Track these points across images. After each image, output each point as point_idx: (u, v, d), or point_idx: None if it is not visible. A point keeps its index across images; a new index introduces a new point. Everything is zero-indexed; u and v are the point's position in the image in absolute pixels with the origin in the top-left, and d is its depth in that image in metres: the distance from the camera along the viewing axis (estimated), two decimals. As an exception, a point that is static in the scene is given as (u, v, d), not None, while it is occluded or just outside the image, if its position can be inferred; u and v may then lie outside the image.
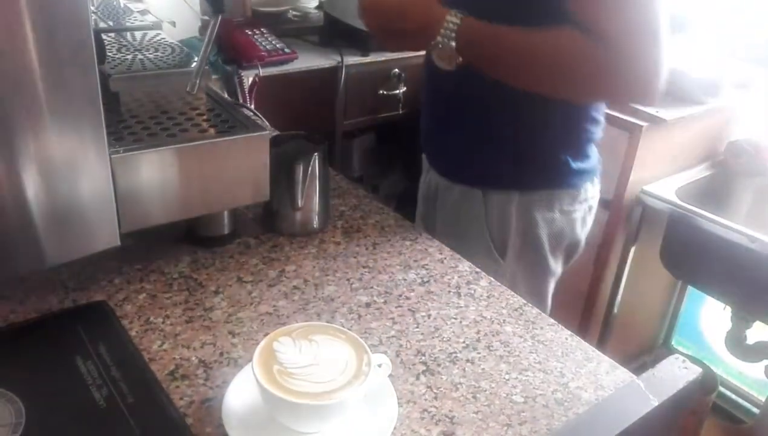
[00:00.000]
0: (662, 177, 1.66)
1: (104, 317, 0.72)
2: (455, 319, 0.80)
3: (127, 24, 1.02)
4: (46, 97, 0.63)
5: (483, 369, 0.73)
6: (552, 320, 0.82)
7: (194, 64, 0.85)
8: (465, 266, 0.91)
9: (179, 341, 0.71)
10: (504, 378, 0.72)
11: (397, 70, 1.64)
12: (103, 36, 0.95)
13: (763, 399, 1.89)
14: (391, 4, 0.93)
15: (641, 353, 2.06)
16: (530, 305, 0.85)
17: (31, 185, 0.66)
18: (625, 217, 1.63)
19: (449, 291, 0.86)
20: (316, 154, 0.90)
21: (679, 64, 1.65)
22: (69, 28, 0.62)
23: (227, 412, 0.60)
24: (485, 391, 0.69)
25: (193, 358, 0.69)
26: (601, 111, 1.10)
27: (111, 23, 1.01)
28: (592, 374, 0.74)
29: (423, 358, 0.73)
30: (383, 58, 1.62)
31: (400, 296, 0.84)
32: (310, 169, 0.90)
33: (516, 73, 0.92)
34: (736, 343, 1.73)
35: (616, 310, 1.77)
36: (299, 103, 1.53)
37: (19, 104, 0.62)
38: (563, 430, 0.57)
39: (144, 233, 0.85)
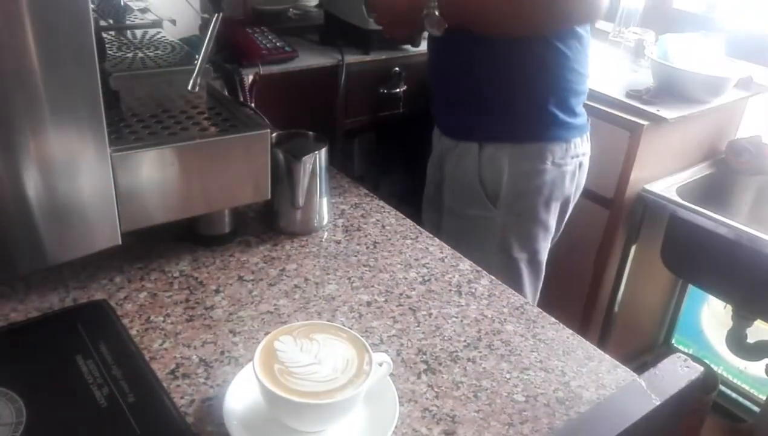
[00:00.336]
0: (663, 176, 1.66)
1: (105, 315, 0.72)
2: (456, 318, 0.80)
3: (128, 22, 1.02)
4: (46, 96, 0.63)
5: (484, 368, 0.72)
6: (553, 319, 0.82)
7: (196, 62, 0.85)
8: (466, 264, 0.91)
9: (180, 340, 0.71)
10: (505, 377, 0.71)
11: (397, 68, 1.63)
12: (104, 34, 0.95)
13: (764, 398, 1.89)
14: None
15: (642, 352, 2.06)
16: (531, 303, 0.85)
17: (32, 184, 0.65)
18: (625, 216, 1.63)
19: (450, 290, 0.85)
20: (317, 152, 0.90)
21: (681, 64, 1.65)
22: (70, 26, 0.62)
23: (228, 411, 0.60)
24: (486, 390, 0.69)
25: (194, 357, 0.69)
26: (581, 62, 1.19)
27: (111, 21, 1.01)
28: (594, 372, 0.74)
29: (424, 357, 0.73)
30: (384, 57, 1.61)
31: (401, 294, 0.83)
32: (310, 167, 0.90)
33: (490, 17, 1.10)
34: (737, 342, 1.73)
35: (616, 309, 1.76)
36: (300, 102, 1.52)
37: (20, 103, 0.62)
38: (565, 429, 0.56)
39: (145, 232, 0.85)
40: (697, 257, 1.63)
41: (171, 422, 0.59)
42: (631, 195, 1.60)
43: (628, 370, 0.74)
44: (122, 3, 1.08)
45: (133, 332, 0.71)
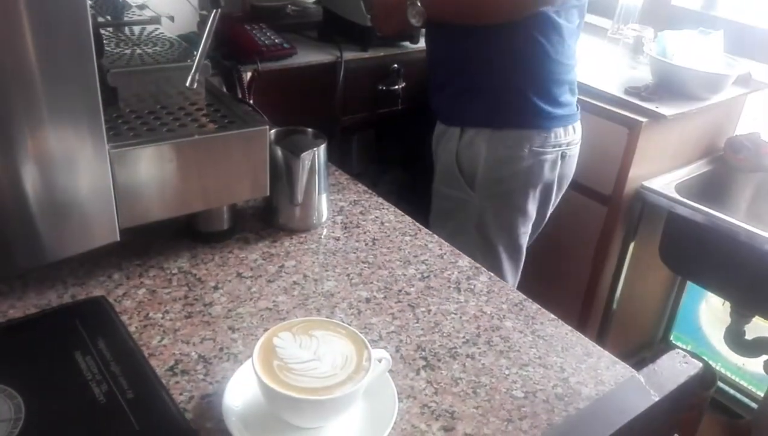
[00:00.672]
0: (662, 173, 1.66)
1: (103, 312, 0.72)
2: (455, 314, 0.80)
3: (126, 18, 1.01)
4: (44, 92, 0.63)
5: (483, 364, 0.72)
6: (552, 316, 0.82)
7: (194, 58, 0.85)
8: (465, 261, 0.91)
9: (179, 337, 0.71)
10: (504, 373, 0.71)
11: (396, 65, 1.63)
12: (102, 30, 0.95)
13: (762, 394, 1.89)
14: None
15: (640, 349, 2.06)
16: (530, 300, 0.85)
17: (30, 181, 0.65)
18: (624, 212, 1.63)
19: (449, 286, 0.85)
20: (315, 149, 0.90)
21: (679, 60, 1.65)
22: (67, 22, 0.61)
23: (227, 407, 0.60)
24: (485, 386, 0.69)
25: (193, 353, 0.69)
26: (563, 53, 1.24)
27: (109, 18, 1.00)
28: (593, 369, 0.74)
29: (423, 353, 0.73)
30: (382, 54, 1.61)
31: (400, 291, 0.83)
32: (309, 164, 0.90)
33: (460, 8, 1.21)
34: (735, 338, 1.73)
35: (615, 306, 1.77)
36: (298, 99, 1.52)
37: (18, 99, 0.61)
38: (564, 425, 0.57)
39: (143, 229, 0.84)
40: (696, 254, 1.63)
41: (170, 418, 0.59)
42: (629, 192, 1.60)
43: (627, 366, 0.74)
44: (120, -1, 1.08)
45: (131, 329, 0.71)
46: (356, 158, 1.83)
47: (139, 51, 0.90)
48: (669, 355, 0.65)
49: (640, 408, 0.57)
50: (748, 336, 1.73)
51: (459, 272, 0.89)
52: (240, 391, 0.62)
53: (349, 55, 1.56)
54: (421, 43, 1.43)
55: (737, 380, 2.02)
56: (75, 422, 0.58)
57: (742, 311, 1.69)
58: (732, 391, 2.02)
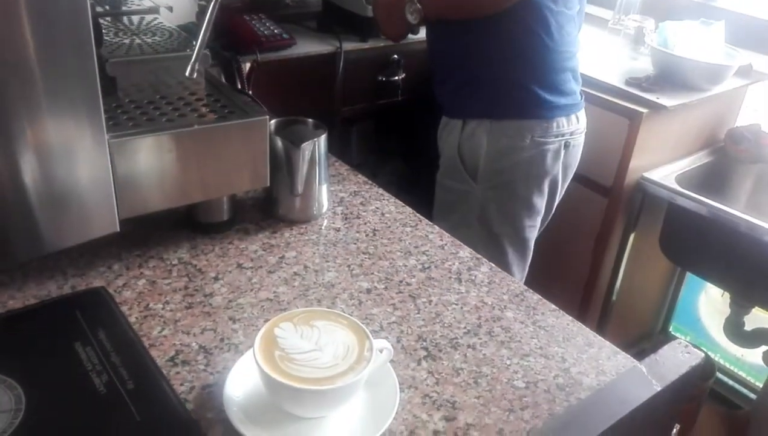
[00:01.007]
0: (662, 164, 1.65)
1: (103, 303, 0.72)
2: (456, 305, 0.80)
3: (124, 8, 1.01)
4: (43, 82, 0.63)
5: (484, 355, 0.72)
6: (553, 306, 0.82)
7: (194, 48, 0.84)
8: (466, 252, 0.91)
9: (179, 327, 0.71)
10: (505, 363, 0.71)
11: (396, 56, 1.62)
12: (100, 20, 0.94)
13: (761, 385, 1.90)
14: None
15: (639, 340, 2.07)
16: (531, 290, 0.85)
17: (29, 171, 0.65)
18: (624, 204, 1.62)
19: (450, 277, 0.85)
20: (316, 139, 0.89)
21: (681, 51, 1.64)
22: (66, 12, 0.61)
23: (228, 398, 0.59)
24: (487, 376, 0.69)
25: (194, 344, 0.69)
26: (562, 41, 1.23)
27: (108, 7, 0.99)
28: (594, 359, 0.74)
29: (424, 343, 0.73)
30: (382, 44, 1.60)
31: (401, 282, 0.83)
32: (309, 155, 0.90)
33: (451, 2, 1.24)
34: (734, 329, 1.73)
35: (614, 297, 1.77)
36: (298, 90, 1.51)
37: (17, 90, 0.61)
38: (566, 415, 0.56)
39: (143, 219, 0.84)
40: (696, 245, 1.63)
41: (171, 408, 0.59)
42: (630, 183, 1.60)
43: (628, 356, 0.74)
44: (118, -12, 1.07)
45: (131, 320, 0.71)
46: (356, 150, 1.82)
47: (138, 41, 0.89)
48: (670, 345, 0.65)
49: (641, 398, 0.57)
50: (748, 327, 1.73)
51: (460, 263, 0.88)
52: (241, 381, 0.62)
53: (349, 45, 1.55)
54: (422, 34, 1.42)
55: (736, 371, 2.03)
56: (76, 412, 0.58)
57: (741, 302, 1.69)
58: (731, 382, 2.02)
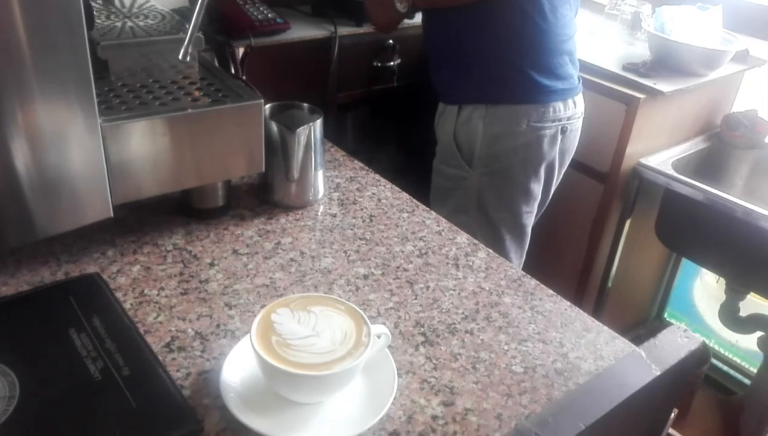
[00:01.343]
0: (658, 150, 1.65)
1: (97, 289, 0.71)
2: (454, 290, 0.80)
3: (116, -9, 0.99)
4: (34, 66, 0.62)
5: (482, 340, 0.72)
6: (551, 291, 0.82)
7: (187, 31, 0.83)
8: (463, 237, 0.91)
9: (175, 313, 0.70)
10: (503, 349, 0.71)
11: (391, 41, 1.61)
12: (92, 3, 0.92)
13: (755, 371, 1.91)
14: None
15: (634, 326, 2.07)
16: (528, 276, 0.84)
17: (20, 155, 0.64)
18: (620, 190, 1.62)
19: (447, 263, 0.85)
20: (311, 124, 0.88)
21: (678, 36, 1.63)
22: (56, -7, 0.60)
23: (225, 384, 0.59)
24: (485, 361, 0.69)
25: (189, 330, 0.68)
26: (558, 24, 1.22)
27: (99, -10, 0.98)
28: (592, 344, 0.73)
29: (422, 329, 0.73)
30: (377, 29, 1.58)
31: (398, 267, 0.83)
32: (305, 140, 0.89)
33: None
34: (729, 315, 1.74)
35: (610, 284, 1.77)
36: (292, 75, 1.50)
37: (7, 74, 0.60)
38: (565, 399, 0.56)
39: (137, 205, 0.83)
40: (692, 231, 1.63)
41: (167, 394, 0.58)
42: (626, 169, 1.59)
43: (626, 341, 0.74)
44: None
45: (126, 306, 0.70)
46: (351, 136, 1.81)
47: (130, 24, 0.88)
48: (669, 329, 0.65)
49: (641, 383, 0.57)
50: (743, 313, 1.74)
51: (457, 249, 0.88)
52: (238, 367, 0.61)
53: (344, 30, 1.53)
54: (417, 19, 1.41)
55: (730, 356, 2.04)
56: (71, 399, 0.57)
57: (737, 288, 1.69)
58: (725, 368, 2.03)
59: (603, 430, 0.54)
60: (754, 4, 1.80)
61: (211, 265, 0.79)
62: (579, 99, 1.31)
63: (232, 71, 1.39)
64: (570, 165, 1.41)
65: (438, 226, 0.93)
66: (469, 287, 0.81)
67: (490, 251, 0.88)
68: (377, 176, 1.04)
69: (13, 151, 0.63)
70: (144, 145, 0.74)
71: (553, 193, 1.41)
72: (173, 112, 0.75)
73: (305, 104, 0.94)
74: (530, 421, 0.51)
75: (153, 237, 0.83)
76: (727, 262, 1.62)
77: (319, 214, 0.93)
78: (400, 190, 1.01)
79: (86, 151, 0.68)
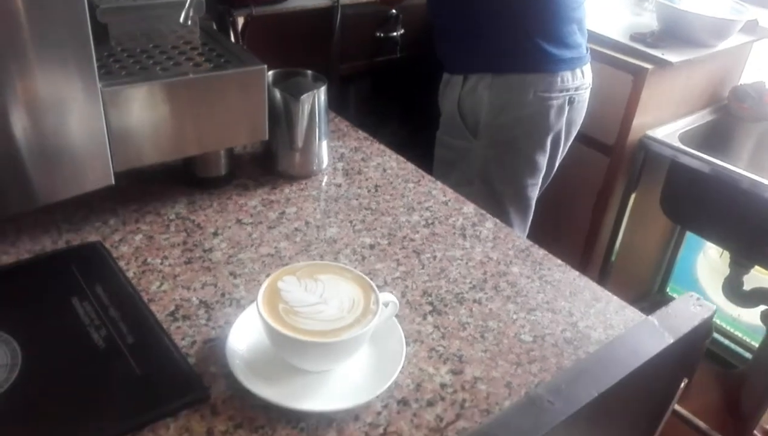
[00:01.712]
0: (665, 122, 1.63)
1: (100, 257, 0.70)
2: (461, 260, 0.79)
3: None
4: (31, 30, 0.60)
5: (490, 309, 0.71)
6: (559, 261, 0.81)
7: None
8: (470, 208, 0.89)
9: (179, 282, 0.69)
10: (512, 318, 0.70)
11: (394, 11, 1.58)
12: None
13: (756, 345, 1.91)
14: None
15: (636, 301, 2.07)
16: (536, 246, 0.83)
17: (19, 121, 0.62)
18: (626, 163, 1.60)
19: (454, 233, 0.84)
20: (315, 91, 0.87)
21: (686, 6, 1.60)
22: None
23: (231, 352, 0.58)
24: (493, 330, 0.68)
25: (194, 298, 0.67)
26: None
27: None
28: (601, 313, 0.72)
29: (429, 298, 0.72)
30: (380, -1, 1.55)
31: (405, 237, 0.81)
32: (309, 107, 0.87)
33: None
34: (733, 289, 1.73)
35: (613, 258, 1.76)
36: (293, 46, 1.47)
37: (3, 36, 0.58)
38: (578, 366, 0.55)
39: (138, 174, 0.82)
40: (697, 204, 1.62)
41: (173, 362, 0.57)
42: (632, 141, 1.57)
43: (636, 311, 0.74)
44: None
45: (129, 275, 0.69)
46: (353, 109, 1.79)
47: (129, -13, 0.85)
48: (682, 298, 0.64)
49: (654, 350, 0.56)
50: (746, 287, 1.73)
51: (464, 219, 0.87)
52: (244, 335, 0.60)
53: (346, -1, 1.50)
54: (421, -12, 1.38)
55: (732, 330, 2.04)
56: (74, 366, 0.56)
57: (741, 261, 1.68)
58: (727, 342, 2.03)
59: (616, 398, 0.54)
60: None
61: (215, 234, 0.78)
62: (587, 69, 1.28)
63: (233, 41, 1.37)
64: (575, 137, 1.39)
65: (444, 196, 0.91)
66: (477, 257, 0.79)
67: (498, 221, 0.87)
68: (382, 146, 1.03)
69: (12, 116, 0.62)
70: (145, 110, 0.72)
71: (558, 166, 1.40)
72: (174, 77, 0.73)
73: (309, 71, 0.92)
74: (543, 388, 0.51)
75: (155, 206, 0.81)
76: (732, 235, 1.61)
77: (323, 184, 0.91)
78: (405, 160, 0.99)
79: (86, 117, 0.66)
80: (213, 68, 0.77)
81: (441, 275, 0.76)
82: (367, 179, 0.93)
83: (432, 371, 0.62)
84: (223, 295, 0.68)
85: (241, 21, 1.39)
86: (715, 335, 2.00)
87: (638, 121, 1.54)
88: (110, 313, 0.61)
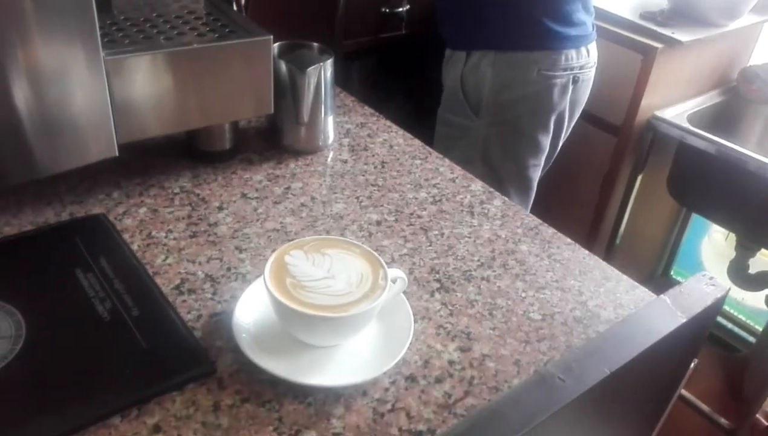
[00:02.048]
0: (674, 102, 1.61)
1: (104, 229, 0.69)
2: (469, 238, 0.77)
3: None
4: (32, -1, 0.58)
5: (499, 287, 0.70)
6: (569, 240, 0.80)
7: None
8: (478, 185, 0.88)
9: (184, 256, 0.68)
10: (521, 296, 0.69)
11: (400, -14, 1.55)
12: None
13: (760, 329, 1.91)
14: None
15: (640, 283, 2.06)
16: (545, 224, 0.82)
17: (20, 91, 0.61)
18: (634, 144, 1.59)
19: (462, 210, 0.82)
20: (321, 64, 0.85)
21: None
22: None
23: (237, 326, 0.57)
24: (502, 308, 0.67)
25: (200, 272, 0.66)
26: None
27: None
28: (611, 292, 0.72)
29: (437, 275, 0.71)
30: (386, -27, 1.53)
31: (412, 214, 0.80)
32: (315, 80, 0.85)
33: None
34: (739, 272, 1.72)
35: (618, 240, 1.75)
36: (296, 21, 1.45)
37: (6, 4, 0.56)
38: (590, 344, 0.54)
39: (142, 147, 0.81)
40: (705, 185, 1.61)
41: (178, 335, 0.57)
42: (640, 122, 1.56)
43: (647, 290, 0.73)
44: None
45: (134, 247, 0.68)
46: (358, 86, 1.76)
47: (132, -45, 0.83)
48: (695, 277, 0.63)
49: (667, 329, 0.55)
50: (752, 270, 1.72)
51: (472, 196, 0.85)
52: (250, 310, 0.59)
53: (352, -27, 1.47)
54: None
55: (736, 314, 2.03)
56: (79, 338, 0.55)
57: (747, 244, 1.67)
58: (730, 325, 2.03)
59: (627, 377, 0.53)
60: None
61: (220, 208, 0.77)
62: (592, 47, 1.26)
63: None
64: (582, 117, 1.37)
65: (452, 173, 0.90)
66: (485, 235, 0.78)
67: (506, 199, 0.86)
68: (388, 123, 1.01)
69: (14, 86, 0.60)
70: (148, 80, 0.70)
71: (564, 146, 1.38)
72: (179, 47, 0.71)
73: (315, 44, 0.91)
74: (553, 366, 0.50)
75: (159, 180, 0.80)
76: (739, 217, 1.60)
77: (329, 160, 0.90)
78: (412, 136, 0.98)
79: (89, 87, 0.65)
80: (217, 38, 0.75)
81: (449, 252, 0.75)
82: (373, 155, 0.92)
83: (440, 347, 0.61)
84: (228, 269, 0.67)
85: (245, -6, 1.37)
86: (719, 319, 2.00)
87: (646, 102, 1.52)
88: (115, 285, 0.60)
